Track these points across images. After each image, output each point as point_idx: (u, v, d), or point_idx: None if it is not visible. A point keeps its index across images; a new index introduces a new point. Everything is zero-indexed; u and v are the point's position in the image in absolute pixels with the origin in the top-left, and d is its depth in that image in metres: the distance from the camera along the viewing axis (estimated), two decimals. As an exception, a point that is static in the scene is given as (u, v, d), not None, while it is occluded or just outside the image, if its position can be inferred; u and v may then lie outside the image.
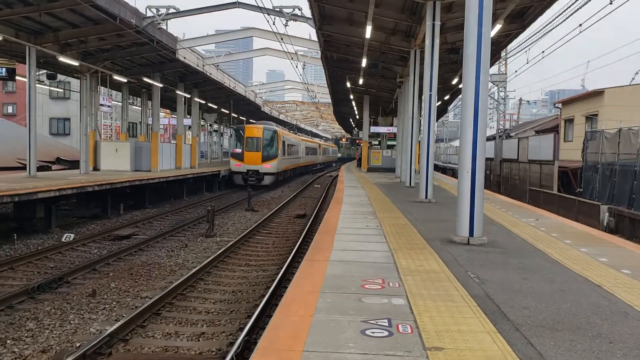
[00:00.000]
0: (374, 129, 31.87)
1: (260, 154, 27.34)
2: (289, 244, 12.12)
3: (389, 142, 36.17)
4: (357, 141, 51.47)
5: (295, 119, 60.27)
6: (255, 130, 27.77)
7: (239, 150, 27.34)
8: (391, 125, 32.49)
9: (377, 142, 40.79)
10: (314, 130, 78.48)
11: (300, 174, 42.60)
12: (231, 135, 30.56)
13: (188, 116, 29.96)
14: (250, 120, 44.74)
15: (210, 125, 39.21)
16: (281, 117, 50.26)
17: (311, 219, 15.20)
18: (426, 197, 12.53)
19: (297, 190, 26.58)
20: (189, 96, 26.24)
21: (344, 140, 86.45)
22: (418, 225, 8.56)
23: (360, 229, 8.13)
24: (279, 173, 30.13)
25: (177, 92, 24.55)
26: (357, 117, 39.14)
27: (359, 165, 32.96)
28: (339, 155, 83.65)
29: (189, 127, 30.16)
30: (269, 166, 27.48)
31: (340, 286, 4.82)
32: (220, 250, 10.72)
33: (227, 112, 35.50)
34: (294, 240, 12.49)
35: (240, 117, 41.98)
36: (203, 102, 28.77)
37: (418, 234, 7.70)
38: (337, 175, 30.30)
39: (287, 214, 17.99)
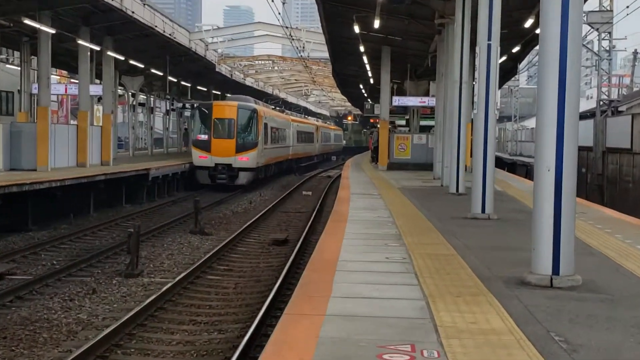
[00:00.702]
0: (398, 101, 31.97)
1: (233, 141, 29.93)
2: (261, 289, 12.11)
3: (423, 122, 36.24)
4: (372, 120, 51.51)
5: (271, 85, 60.24)
6: (227, 108, 30.45)
7: (204, 137, 30.00)
8: (426, 94, 32.53)
9: (403, 123, 40.78)
10: (308, 105, 78.70)
11: (289, 171, 44.25)
12: (191, 115, 32.12)
13: (97, 81, 29.85)
14: (198, 88, 44.86)
15: (134, 95, 39.16)
16: (248, 81, 50.36)
17: (297, 248, 15.20)
18: (483, 210, 12.59)
19: (273, 201, 26.64)
20: (98, 48, 26.22)
21: (349, 119, 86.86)
22: (470, 257, 8.57)
23: (376, 264, 8.14)
24: (260, 169, 32.48)
25: (80, 41, 24.53)
26: (372, 81, 39.22)
27: (375, 159, 33.04)
28: (344, 142, 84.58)
29: (99, 99, 30.07)
30: (246, 159, 30.10)
31: (343, 357, 4.82)
32: (150, 299, 10.69)
33: (161, 74, 35.50)
34: (268, 283, 12.48)
35: (182, 83, 42.05)
36: (122, 58, 28.77)
37: (470, 271, 7.71)
38: (340, 176, 30.29)
39: (258, 238, 17.94)
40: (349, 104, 77.50)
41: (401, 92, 35.32)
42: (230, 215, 23.21)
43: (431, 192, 18.58)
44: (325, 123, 78.89)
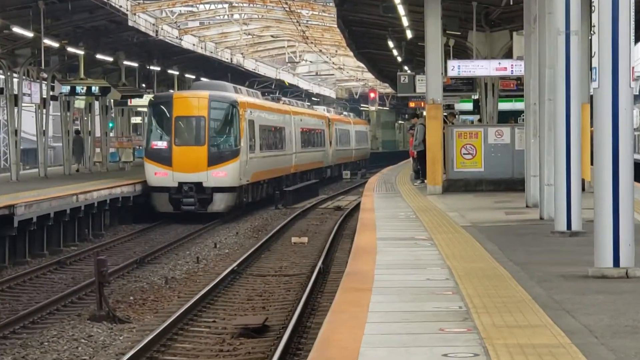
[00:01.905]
0: (459, 68, 32.00)
1: (205, 149, 34.32)
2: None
3: (504, 104, 36.30)
4: (413, 105, 51.68)
5: (228, 47, 60.57)
6: (194, 102, 34.68)
7: (162, 145, 34.60)
8: (507, 54, 32.64)
9: (469, 107, 40.89)
10: (312, 87, 79.59)
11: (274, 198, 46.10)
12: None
13: None
14: (98, 57, 45.03)
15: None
16: (187, 42, 50.71)
17: (283, 341, 15.24)
18: (616, 262, 12.62)
19: (238, 257, 26.71)
20: None
21: (372, 99, 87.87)
22: (596, 349, 8.46)
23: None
24: (245, 188, 36.74)
25: None
26: (409, 34, 39.34)
27: (421, 173, 33.07)
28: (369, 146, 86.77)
29: None
30: (224, 174, 34.21)
31: None
32: None
33: (31, 35, 35.63)
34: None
35: (70, 49, 42.17)
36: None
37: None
38: (357, 208, 30.31)
39: (214, 325, 18.06)
40: (369, 75, 77.79)
41: (463, 53, 35.42)
42: (161, 284, 23.18)
43: (523, 230, 18.60)
44: (342, 115, 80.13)
